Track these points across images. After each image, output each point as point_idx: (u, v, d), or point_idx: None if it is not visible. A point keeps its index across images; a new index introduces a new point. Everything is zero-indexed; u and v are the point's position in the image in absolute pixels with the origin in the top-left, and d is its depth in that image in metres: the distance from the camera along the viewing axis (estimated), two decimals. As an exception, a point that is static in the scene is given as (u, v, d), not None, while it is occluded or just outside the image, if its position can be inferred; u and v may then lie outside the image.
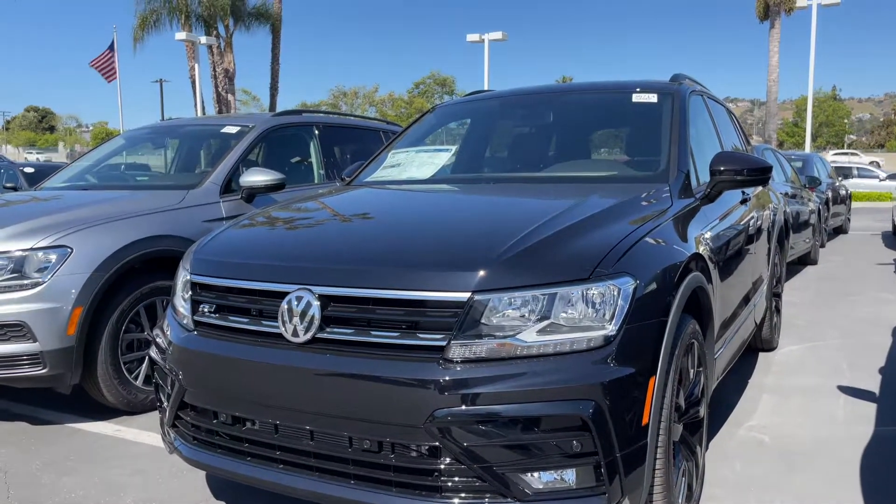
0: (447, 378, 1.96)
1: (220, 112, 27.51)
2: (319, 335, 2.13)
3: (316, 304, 2.14)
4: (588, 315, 2.03)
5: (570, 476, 2.00)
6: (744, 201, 3.70)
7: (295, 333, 2.16)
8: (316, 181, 5.32)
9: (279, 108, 31.21)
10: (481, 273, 2.02)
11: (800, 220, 8.38)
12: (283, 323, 2.18)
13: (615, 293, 2.05)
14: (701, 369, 2.66)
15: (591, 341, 2.01)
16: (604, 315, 2.03)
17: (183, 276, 2.63)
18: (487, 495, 2.00)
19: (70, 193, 4.60)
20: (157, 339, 2.66)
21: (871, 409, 3.76)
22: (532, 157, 3.52)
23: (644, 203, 2.63)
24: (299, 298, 2.17)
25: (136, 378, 3.88)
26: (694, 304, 2.58)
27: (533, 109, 3.86)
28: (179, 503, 2.83)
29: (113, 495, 2.91)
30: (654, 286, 2.18)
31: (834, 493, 2.81)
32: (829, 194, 12.14)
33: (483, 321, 2.01)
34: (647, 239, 2.30)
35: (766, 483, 2.91)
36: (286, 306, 2.18)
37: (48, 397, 4.13)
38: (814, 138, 29.55)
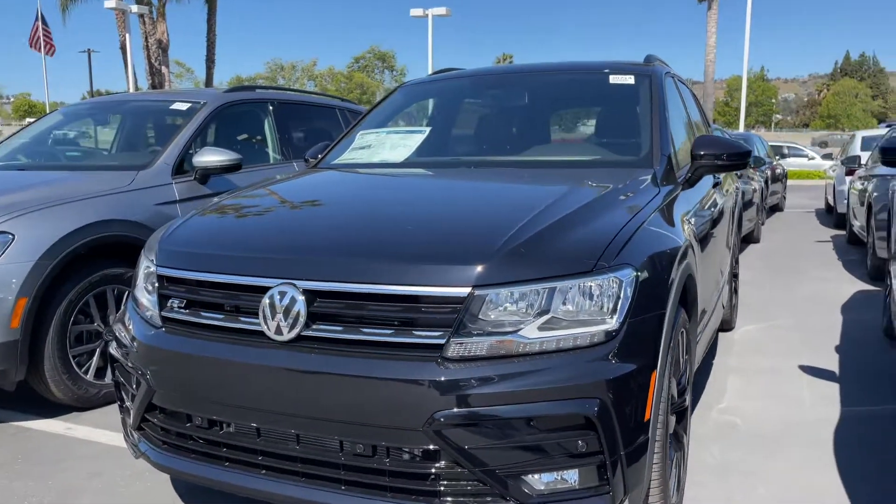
0: (448, 378, 1.86)
1: (153, 85, 26.45)
2: (305, 333, 2.00)
3: (301, 299, 2.00)
4: (591, 309, 1.95)
5: (571, 476, 1.93)
6: (716, 185, 3.70)
7: (278, 331, 2.02)
8: (271, 161, 5.10)
9: (215, 82, 30.12)
10: (482, 267, 1.92)
11: (745, 200, 8.55)
12: (265, 320, 2.04)
13: (618, 286, 1.98)
14: (687, 357, 2.64)
15: (594, 336, 1.93)
16: (607, 309, 1.96)
17: (146, 267, 2.44)
18: (488, 498, 1.92)
19: (6, 174, 4.27)
20: (119, 335, 2.47)
21: (833, 389, 3.84)
22: (511, 140, 3.41)
23: (634, 190, 2.56)
24: (282, 294, 2.02)
25: (86, 372, 3.65)
26: (683, 293, 2.54)
27: (508, 90, 3.75)
28: (145, 508, 2.66)
29: (71, 501, 2.72)
30: (653, 277, 2.12)
31: (812, 476, 2.85)
32: (769, 173, 12.47)
33: (484, 317, 1.91)
34: (643, 229, 2.24)
35: (746, 468, 2.92)
36: (268, 301, 2.04)
37: (-12, 393, 3.85)
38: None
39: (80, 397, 3.59)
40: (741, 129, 26.28)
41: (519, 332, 1.91)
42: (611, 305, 1.96)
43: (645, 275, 2.07)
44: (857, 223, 8.59)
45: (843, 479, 2.81)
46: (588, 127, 3.70)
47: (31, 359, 3.40)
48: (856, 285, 6.75)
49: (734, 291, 5.12)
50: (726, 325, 4.95)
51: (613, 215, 2.26)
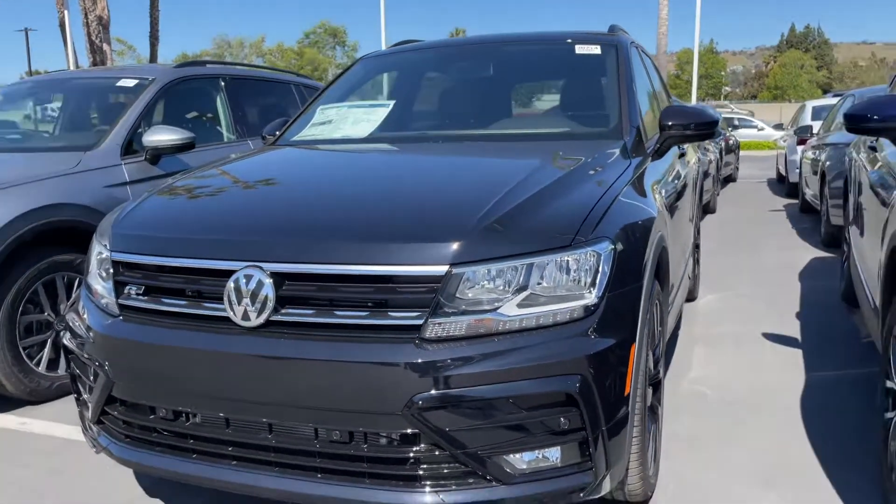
0: (426, 359, 1.80)
1: (94, 63, 25.47)
2: (274, 318, 1.91)
3: (268, 282, 1.91)
4: (570, 285, 1.90)
5: (553, 454, 1.90)
6: (681, 155, 3.68)
7: (245, 317, 1.92)
8: (225, 140, 4.92)
9: (160, 59, 29.18)
10: (459, 244, 1.85)
11: (703, 170, 8.65)
12: (231, 305, 1.94)
13: (596, 260, 1.94)
14: (660, 329, 2.62)
15: (573, 312, 1.89)
16: (585, 283, 1.92)
17: (99, 252, 2.31)
18: (470, 480, 1.87)
19: (-57, 158, 4.02)
20: (73, 325, 2.34)
21: (797, 355, 3.90)
22: (478, 113, 3.32)
23: (606, 162, 2.51)
24: (248, 277, 1.93)
25: (37, 364, 3.48)
26: (657, 264, 2.51)
27: (473, 62, 3.66)
28: (108, 504, 2.55)
29: (31, 501, 2.59)
30: (630, 250, 2.09)
31: (783, 442, 2.88)
32: (723, 144, 12.64)
33: (462, 296, 1.85)
34: (618, 202, 2.19)
35: (719, 437, 2.94)
36: (233, 286, 1.94)
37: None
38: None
39: (32, 391, 3.43)
40: (693, 101, 26.57)
41: (498, 310, 1.85)
42: (589, 280, 1.92)
43: (622, 248, 2.03)
44: (810, 192, 8.76)
45: (811, 443, 2.85)
46: (555, 99, 3.64)
47: (-22, 352, 3.23)
48: (811, 252, 6.88)
49: (696, 262, 5.16)
50: (690, 295, 4.98)
51: (588, 189, 2.21)
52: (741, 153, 18.50)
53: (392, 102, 3.38)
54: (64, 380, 3.53)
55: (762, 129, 26.04)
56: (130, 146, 4.11)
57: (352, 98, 3.63)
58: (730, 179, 14.60)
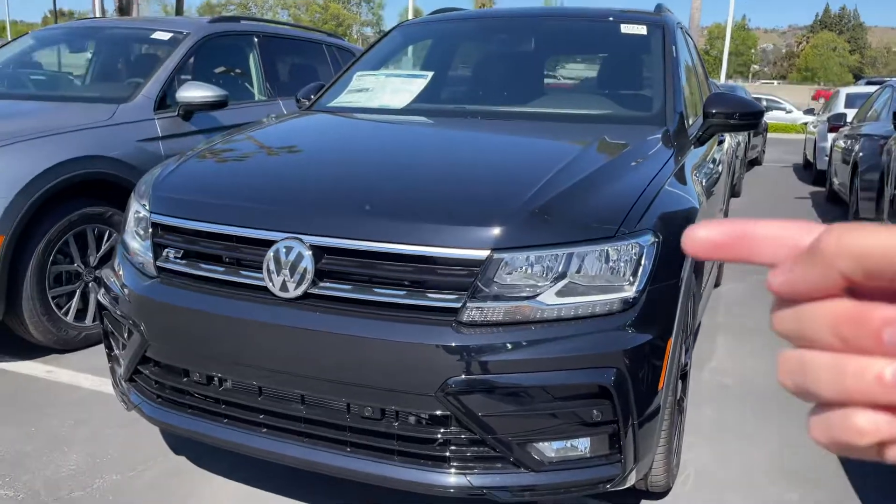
0: (463, 343, 1.80)
1: (120, 7, 25.30)
2: (312, 290, 1.91)
3: (308, 254, 1.90)
4: (611, 276, 1.89)
5: (583, 444, 1.91)
6: (720, 142, 3.62)
7: (283, 288, 1.92)
8: (255, 99, 4.89)
9: (185, 9, 28.94)
10: (503, 229, 1.83)
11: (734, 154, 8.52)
12: (269, 275, 1.94)
13: (639, 252, 1.91)
14: (692, 320, 2.61)
15: (613, 304, 1.87)
16: (626, 276, 1.90)
17: (137, 211, 2.31)
18: (498, 465, 1.89)
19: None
20: (108, 281, 2.35)
21: (820, 350, 3.87)
22: (517, 89, 3.27)
23: (651, 149, 2.47)
24: (288, 249, 1.92)
25: (66, 314, 3.52)
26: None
27: (515, 35, 3.58)
28: (134, 458, 2.59)
29: (56, 450, 2.64)
30: (672, 243, 2.05)
31: (806, 438, 2.86)
32: (751, 126, 12.40)
33: (501, 281, 1.83)
34: (662, 192, 2.16)
35: (742, 430, 2.93)
36: (272, 256, 1.94)
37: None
38: (724, 67, 29.73)
39: (59, 339, 3.48)
40: (722, 79, 26.07)
41: (537, 298, 1.84)
42: (630, 272, 1.90)
43: (664, 241, 2.00)
44: (838, 181, 8.62)
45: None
46: (598, 78, 3.57)
47: (9, 299, 3.27)
48: (836, 244, 6.79)
49: (722, 248, 5.12)
50: (714, 282, 4.95)
51: (632, 178, 2.17)
52: (767, 135, 18.24)
53: (430, 73, 3.32)
54: (90, 330, 3.57)
55: (790, 111, 25.61)
56: (164, 101, 4.09)
57: (388, 66, 3.58)
58: (755, 162, 14.38)
